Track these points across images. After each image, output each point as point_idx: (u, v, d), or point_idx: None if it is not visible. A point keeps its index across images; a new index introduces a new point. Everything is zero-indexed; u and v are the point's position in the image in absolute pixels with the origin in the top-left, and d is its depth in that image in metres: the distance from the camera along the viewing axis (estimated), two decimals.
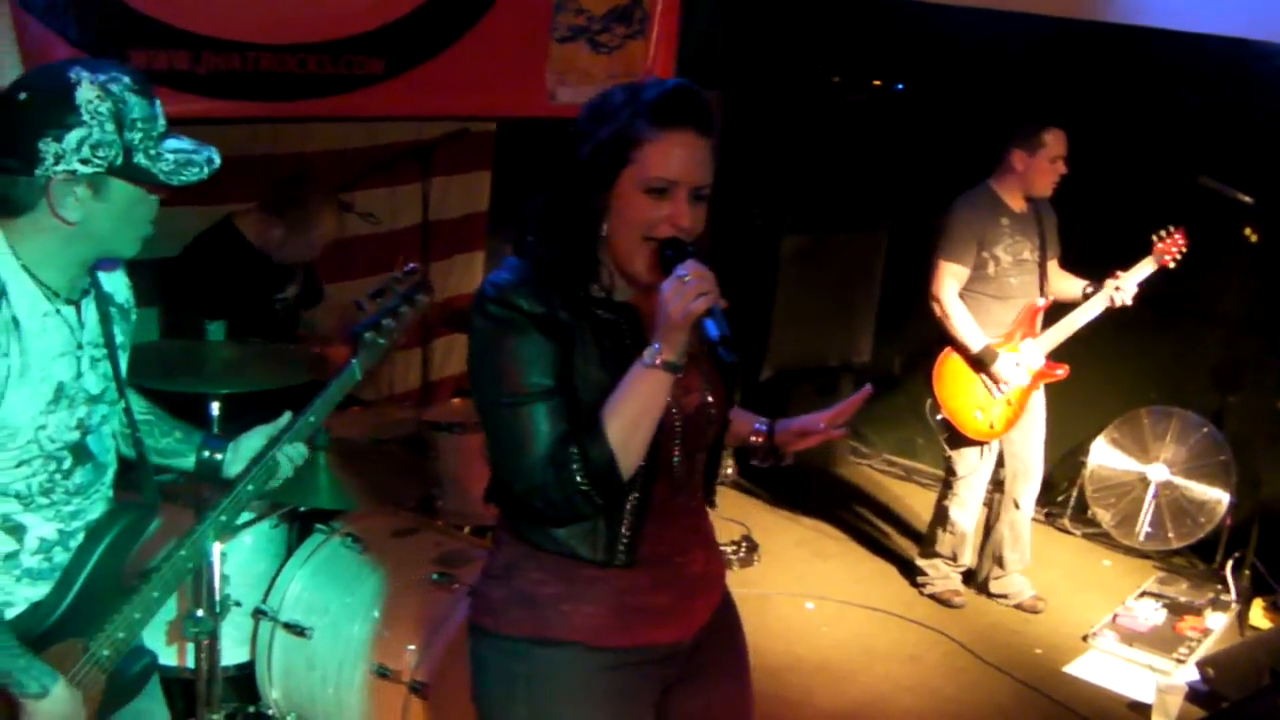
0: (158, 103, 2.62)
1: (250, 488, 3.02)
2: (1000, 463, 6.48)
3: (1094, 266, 6.28)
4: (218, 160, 2.66)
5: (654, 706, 2.93)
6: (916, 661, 5.97)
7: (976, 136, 6.28)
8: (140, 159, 2.55)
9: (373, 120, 5.99)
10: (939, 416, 6.31)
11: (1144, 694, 5.62)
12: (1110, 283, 6.10)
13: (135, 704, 3.01)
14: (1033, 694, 5.71)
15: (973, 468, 6.39)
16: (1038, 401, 6.40)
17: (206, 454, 3.12)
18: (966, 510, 6.48)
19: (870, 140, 7.85)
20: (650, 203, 2.64)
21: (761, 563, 6.90)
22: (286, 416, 3.11)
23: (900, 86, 8.07)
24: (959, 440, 6.36)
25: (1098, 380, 6.93)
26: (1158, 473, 7.25)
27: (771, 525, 7.45)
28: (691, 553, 2.94)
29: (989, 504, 6.62)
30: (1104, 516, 7.40)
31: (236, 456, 3.09)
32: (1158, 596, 6.63)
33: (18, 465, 2.63)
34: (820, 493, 7.92)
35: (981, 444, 6.34)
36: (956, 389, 6.24)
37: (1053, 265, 6.33)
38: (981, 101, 7.37)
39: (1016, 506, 6.47)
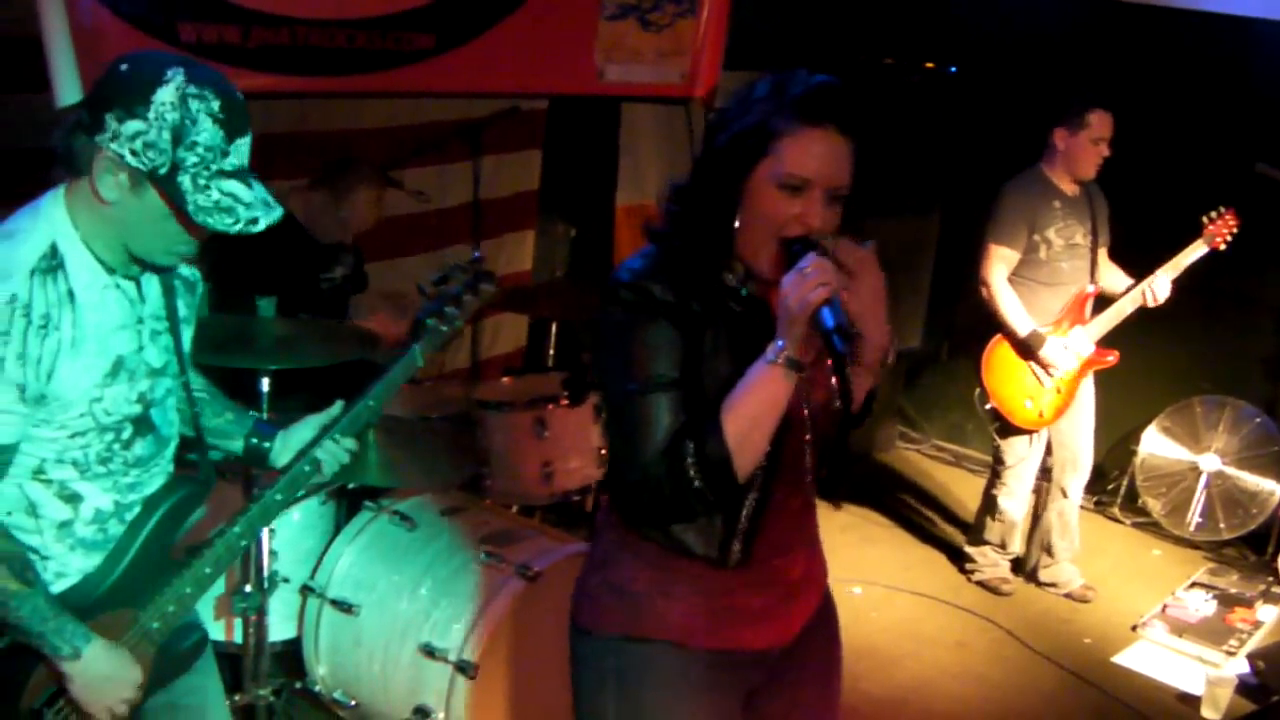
0: (240, 142, 2.56)
1: (300, 476, 3.02)
2: (1049, 451, 6.39)
3: (1144, 254, 6.15)
4: (262, 225, 2.59)
5: (741, 703, 2.90)
6: (963, 648, 5.95)
7: (1030, 121, 6.19)
8: (184, 180, 2.50)
9: (422, 97, 5.97)
10: (988, 405, 6.24)
11: (1193, 686, 5.57)
12: (1149, 279, 6.02)
13: (189, 678, 3.02)
14: (1080, 683, 5.68)
15: (1021, 457, 6.32)
16: (1087, 391, 6.30)
17: (255, 440, 3.12)
18: (1015, 499, 6.42)
19: (923, 123, 7.78)
20: (783, 198, 2.58)
21: None
22: (338, 406, 3.10)
23: (954, 69, 7.99)
24: (1008, 429, 6.28)
25: (1150, 368, 6.88)
26: (1209, 463, 7.20)
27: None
28: (794, 554, 2.90)
29: (1037, 492, 6.56)
30: (1154, 506, 7.35)
31: (285, 446, 3.10)
32: (1208, 588, 6.59)
33: (72, 436, 2.63)
34: (868, 478, 7.91)
35: (1030, 433, 6.27)
36: (1006, 377, 6.17)
37: (1102, 254, 6.21)
38: (1036, 85, 7.29)
39: (1064, 495, 6.40)
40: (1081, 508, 6.55)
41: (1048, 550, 6.51)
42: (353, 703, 4.50)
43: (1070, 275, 6.09)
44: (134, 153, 2.46)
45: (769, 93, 2.62)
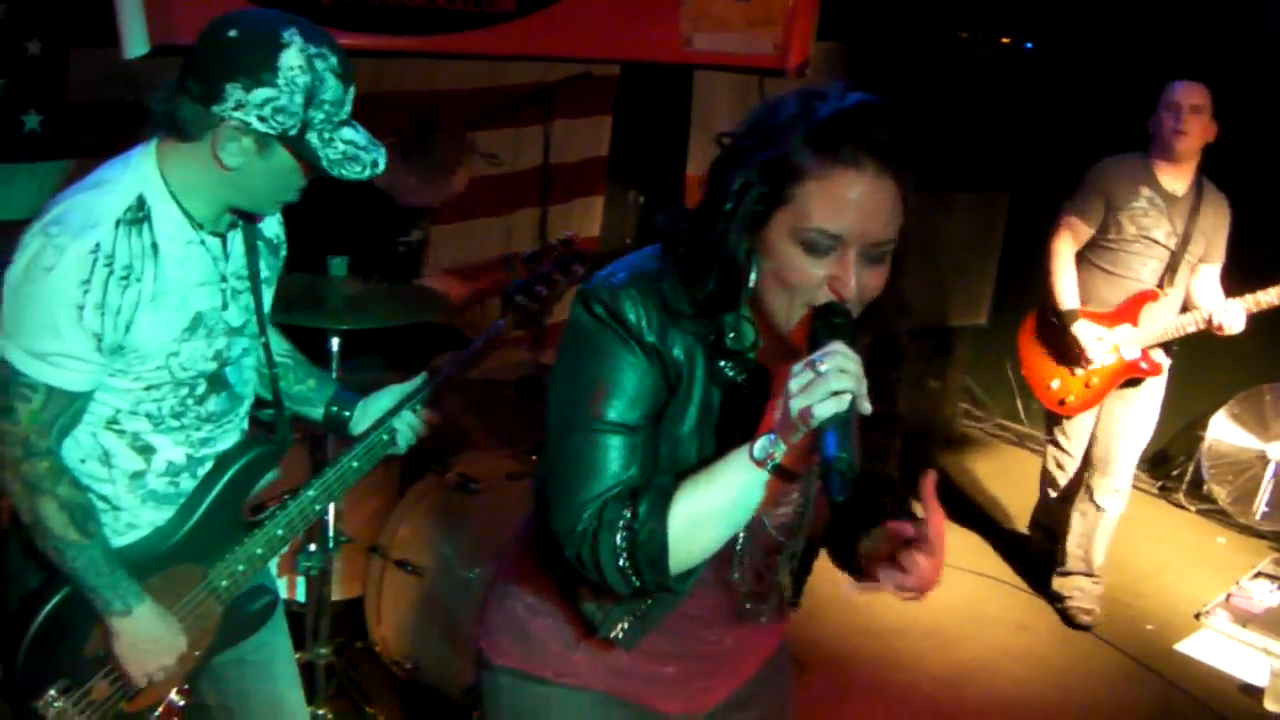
0: (352, 91, 2.59)
1: (378, 445, 3.05)
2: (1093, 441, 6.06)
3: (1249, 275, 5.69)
4: (383, 165, 2.62)
5: None
6: (1025, 630, 5.91)
7: (1107, 101, 6.10)
8: (313, 138, 2.53)
9: (499, 59, 5.94)
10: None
11: (1257, 677, 5.53)
12: (1222, 305, 5.55)
13: (258, 635, 3.05)
14: (1142, 670, 5.63)
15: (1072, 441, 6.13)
16: (1142, 400, 5.88)
17: (335, 409, 3.14)
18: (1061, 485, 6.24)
19: (996, 99, 7.70)
20: (806, 259, 2.06)
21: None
22: (420, 379, 3.09)
23: (1029, 45, 7.91)
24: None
25: (1221, 353, 6.76)
26: (1278, 451, 7.09)
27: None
28: (726, 628, 2.52)
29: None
30: (1220, 493, 7.26)
31: (365, 415, 3.12)
32: (1273, 578, 6.51)
33: (147, 388, 2.64)
34: (931, 456, 7.85)
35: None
36: (1040, 350, 6.02)
37: (1206, 270, 5.67)
38: (1114, 64, 7.20)
39: (1090, 498, 5.98)
40: (1145, 491, 6.53)
41: (1060, 554, 6.13)
42: (412, 664, 4.51)
43: (1136, 269, 5.66)
44: (262, 119, 2.47)
45: (793, 116, 2.08)
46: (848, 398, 1.94)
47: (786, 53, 6.09)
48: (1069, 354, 5.83)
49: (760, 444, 2.05)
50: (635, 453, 2.16)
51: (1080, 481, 6.08)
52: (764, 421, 2.19)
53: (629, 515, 2.10)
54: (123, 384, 2.61)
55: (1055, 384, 5.97)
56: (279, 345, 3.09)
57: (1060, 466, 6.19)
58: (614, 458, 2.14)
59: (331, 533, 4.34)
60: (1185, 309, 5.72)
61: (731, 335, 2.18)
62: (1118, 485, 5.95)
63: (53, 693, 2.67)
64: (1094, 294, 5.78)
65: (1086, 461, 6.07)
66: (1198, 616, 6.13)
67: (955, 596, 6.15)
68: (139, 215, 2.52)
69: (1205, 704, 5.37)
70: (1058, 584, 6.11)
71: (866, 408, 1.96)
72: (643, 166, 7.63)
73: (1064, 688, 5.43)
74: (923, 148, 2.10)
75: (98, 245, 2.44)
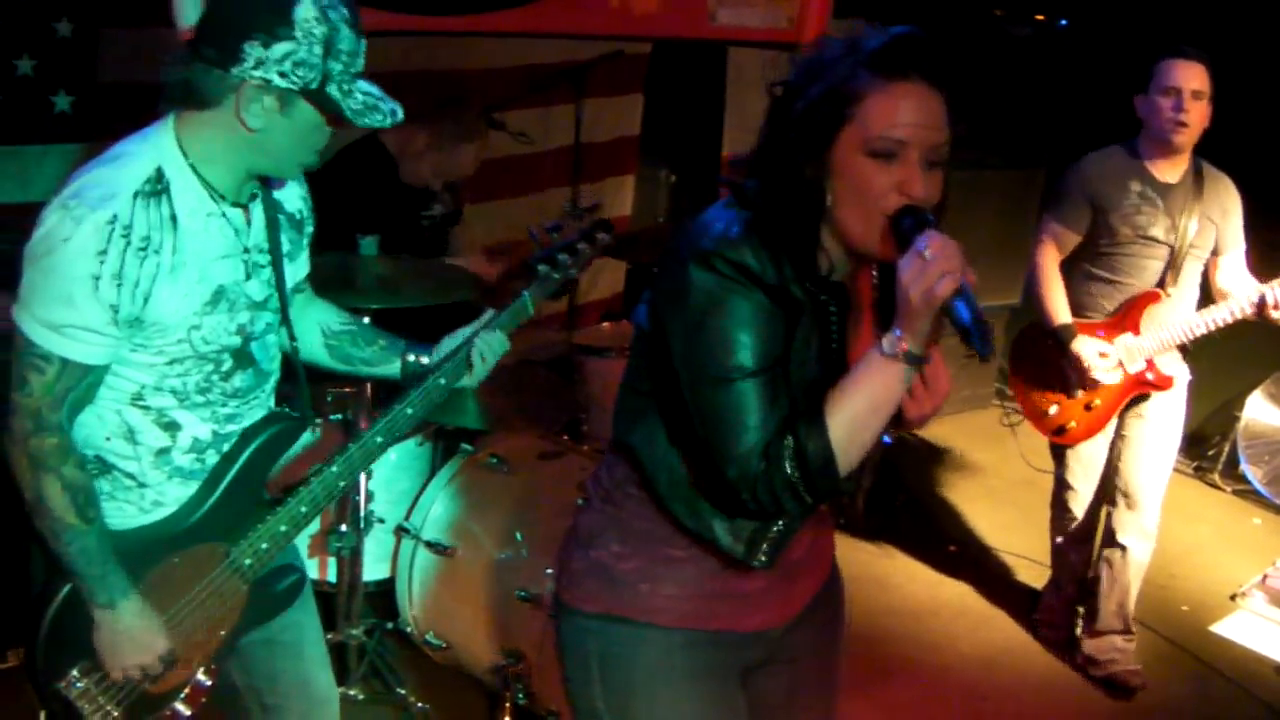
0: (364, 42, 2.58)
1: (441, 381, 3.05)
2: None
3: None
4: (400, 114, 2.61)
5: (738, 682, 2.71)
6: None
7: (1141, 77, 5.99)
8: (333, 90, 2.52)
9: (525, 37, 5.93)
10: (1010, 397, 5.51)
11: None
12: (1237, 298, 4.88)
13: (287, 615, 3.03)
14: (1177, 651, 5.60)
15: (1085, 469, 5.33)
16: (1167, 416, 5.15)
17: (412, 358, 3.11)
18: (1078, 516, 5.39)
19: (1030, 76, 7.67)
20: (875, 167, 2.26)
21: (905, 505, 6.83)
22: (489, 313, 3.13)
23: (1064, 22, 7.86)
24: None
25: (1256, 332, 6.66)
26: None
27: (915, 467, 7.37)
28: (803, 534, 2.65)
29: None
30: (1256, 473, 7.21)
31: (439, 357, 3.10)
32: None
33: (169, 363, 2.62)
34: (964, 437, 7.84)
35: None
36: (1032, 373, 5.31)
37: (1228, 260, 5.01)
38: (1149, 43, 7.12)
39: (1113, 541, 5.26)
40: (1181, 472, 6.42)
41: (1091, 613, 5.40)
42: (444, 645, 4.51)
43: (1132, 271, 4.96)
44: (283, 74, 2.46)
45: (842, 52, 2.31)
46: (956, 274, 2.16)
47: (802, 27, 6.07)
48: (1065, 375, 5.11)
49: (887, 340, 2.25)
50: (778, 388, 2.31)
51: (1095, 521, 5.38)
52: (863, 326, 2.48)
53: (792, 444, 2.25)
54: (145, 358, 2.59)
55: (1052, 410, 5.22)
56: (338, 317, 3.11)
57: (1068, 508, 5.36)
58: (762, 401, 2.28)
59: (363, 513, 4.35)
60: (1204, 306, 5.00)
61: (823, 259, 2.39)
62: (1145, 524, 5.22)
63: (75, 673, 2.66)
64: (1093, 303, 5.08)
65: (1104, 497, 5.32)
66: (1233, 598, 6.09)
67: (988, 576, 6.16)
68: (158, 187, 2.51)
69: (1240, 685, 5.34)
70: (1091, 647, 5.35)
71: (971, 277, 2.19)
72: (674, 145, 7.61)
73: None
74: (958, 65, 2.32)
75: (115, 216, 2.42)
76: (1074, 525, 5.36)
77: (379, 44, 4.94)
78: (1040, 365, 5.21)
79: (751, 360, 2.28)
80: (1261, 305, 4.76)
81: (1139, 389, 5.06)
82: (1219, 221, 4.94)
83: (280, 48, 2.43)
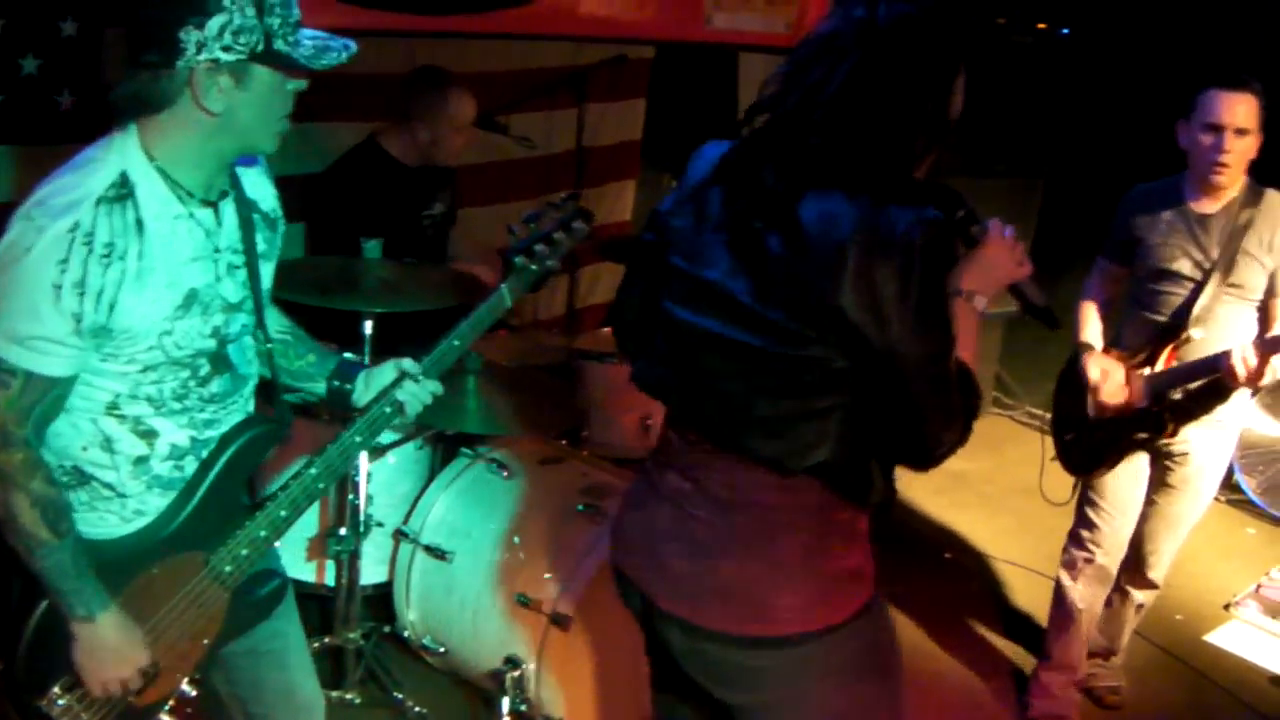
0: None
1: (380, 418, 2.99)
2: None
3: None
4: (354, 47, 2.59)
5: None
6: None
7: (1143, 87, 5.99)
8: (280, 44, 2.50)
9: (527, 39, 5.94)
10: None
11: None
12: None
13: (270, 624, 3.01)
14: (1171, 660, 5.61)
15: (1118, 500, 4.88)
16: (1193, 490, 4.77)
17: (337, 383, 3.06)
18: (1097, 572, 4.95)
19: (1032, 85, 7.67)
20: None
21: (899, 510, 6.79)
22: (412, 364, 3.05)
23: (1066, 31, 7.87)
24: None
25: None
26: None
27: (909, 473, 7.35)
28: None
29: None
30: (1250, 483, 7.22)
31: (368, 387, 3.04)
32: None
33: (143, 370, 2.59)
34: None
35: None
36: (1064, 402, 4.96)
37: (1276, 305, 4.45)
38: (1153, 53, 7.14)
39: (1119, 587, 5.02)
40: None
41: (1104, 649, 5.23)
42: (442, 649, 4.50)
43: (1159, 309, 4.55)
44: (227, 48, 2.44)
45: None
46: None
47: (800, 32, 6.06)
48: (1082, 399, 4.75)
49: (967, 291, 2.61)
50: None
51: (1104, 572, 4.94)
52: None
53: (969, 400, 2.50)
54: (117, 367, 2.56)
55: (1069, 437, 4.91)
56: (278, 322, 3.04)
57: (1084, 546, 4.91)
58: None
59: (362, 516, 4.35)
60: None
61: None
62: (1155, 578, 4.97)
63: (56, 690, 2.63)
64: (1129, 340, 4.69)
65: (1117, 545, 4.89)
66: (1227, 607, 6.10)
67: (982, 584, 6.19)
68: (122, 192, 2.48)
69: (1234, 695, 5.34)
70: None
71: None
72: (676, 149, 7.62)
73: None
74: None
75: (77, 224, 2.40)
76: (1082, 580, 4.91)
77: (379, 44, 4.97)
78: (1069, 394, 4.86)
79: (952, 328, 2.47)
80: (1230, 369, 4.22)
81: (1146, 429, 4.59)
82: (1264, 257, 4.38)
83: (215, 22, 2.41)
